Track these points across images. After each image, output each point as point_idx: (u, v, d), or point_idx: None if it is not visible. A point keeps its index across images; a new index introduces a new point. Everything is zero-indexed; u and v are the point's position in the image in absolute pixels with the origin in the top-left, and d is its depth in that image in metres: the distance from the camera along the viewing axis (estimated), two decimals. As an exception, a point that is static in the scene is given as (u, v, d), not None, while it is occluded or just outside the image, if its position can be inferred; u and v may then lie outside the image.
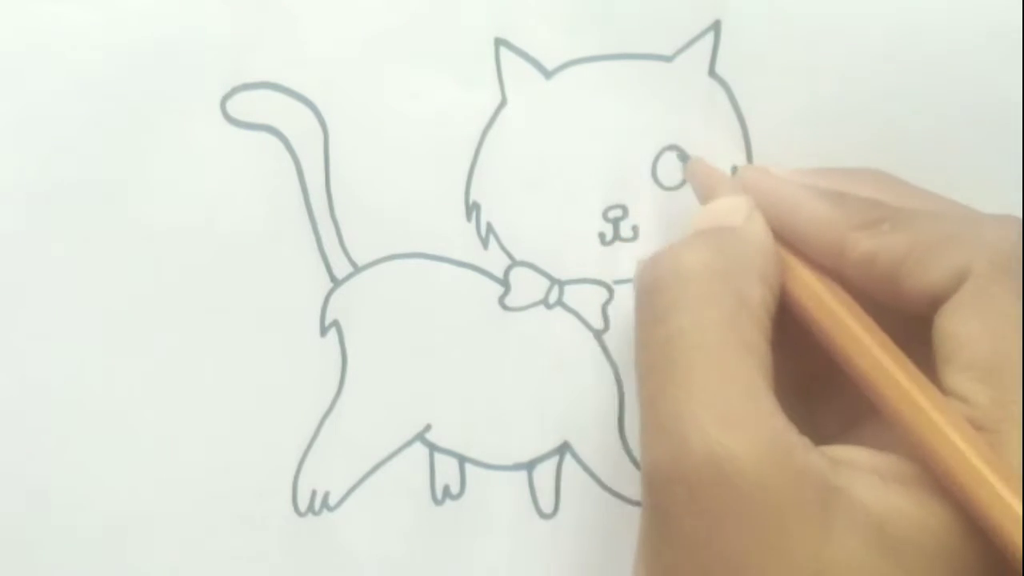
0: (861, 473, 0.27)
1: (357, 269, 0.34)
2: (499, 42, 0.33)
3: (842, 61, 0.34)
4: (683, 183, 0.34)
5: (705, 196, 0.33)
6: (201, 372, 0.33)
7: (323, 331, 0.34)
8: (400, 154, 0.33)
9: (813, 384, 0.31)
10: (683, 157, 0.34)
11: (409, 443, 0.35)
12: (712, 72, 0.34)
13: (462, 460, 0.35)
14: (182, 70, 0.32)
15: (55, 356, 0.32)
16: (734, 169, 0.35)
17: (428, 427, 0.35)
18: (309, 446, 0.34)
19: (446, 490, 0.35)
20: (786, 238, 0.31)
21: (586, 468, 0.35)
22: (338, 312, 0.34)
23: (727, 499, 0.26)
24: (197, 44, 0.32)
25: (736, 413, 0.27)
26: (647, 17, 0.33)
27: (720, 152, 0.34)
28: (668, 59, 0.34)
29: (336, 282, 0.34)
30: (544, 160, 0.34)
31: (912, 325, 0.29)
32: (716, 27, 0.33)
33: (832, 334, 0.30)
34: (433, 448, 0.35)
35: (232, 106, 0.32)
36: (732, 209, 0.31)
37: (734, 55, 0.34)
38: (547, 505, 0.35)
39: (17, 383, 0.32)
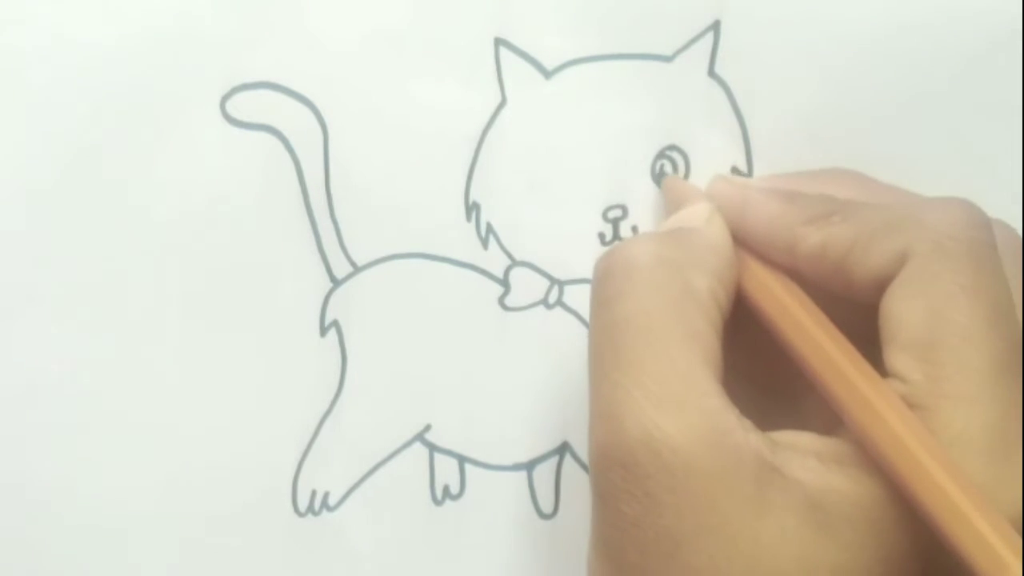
0: (801, 454, 0.28)
1: (357, 269, 0.34)
2: (499, 42, 0.33)
3: (842, 61, 0.34)
4: (683, 183, 0.34)
5: (675, 208, 0.33)
6: (201, 372, 0.33)
7: (323, 331, 0.34)
8: (400, 154, 0.33)
9: (781, 383, 0.32)
10: (660, 177, 0.34)
11: (409, 443, 0.35)
12: (712, 72, 0.34)
13: (462, 460, 0.35)
14: (182, 70, 0.32)
15: (55, 356, 0.32)
16: (734, 170, 0.35)
17: (428, 427, 0.35)
18: (309, 446, 0.34)
19: (446, 490, 0.35)
20: (746, 240, 0.32)
21: (586, 468, 0.35)
22: (338, 312, 0.34)
23: (662, 479, 0.27)
24: (197, 43, 0.32)
25: (673, 396, 0.28)
26: (647, 17, 0.33)
27: (720, 152, 0.34)
28: (668, 59, 0.34)
29: (336, 282, 0.34)
30: (544, 160, 0.34)
31: (861, 313, 0.30)
32: (716, 27, 0.33)
33: (779, 324, 0.30)
34: (433, 448, 0.35)
35: (232, 106, 0.32)
36: (694, 213, 0.32)
37: (734, 55, 0.34)
38: (547, 505, 0.35)
39: (16, 383, 0.32)
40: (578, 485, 0.35)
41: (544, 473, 0.35)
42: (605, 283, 0.30)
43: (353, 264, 0.34)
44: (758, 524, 0.27)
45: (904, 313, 0.28)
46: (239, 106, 0.32)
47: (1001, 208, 0.33)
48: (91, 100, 0.31)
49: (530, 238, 0.34)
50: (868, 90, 0.34)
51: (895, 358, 0.28)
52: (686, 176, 0.35)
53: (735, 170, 0.35)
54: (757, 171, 0.35)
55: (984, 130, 0.34)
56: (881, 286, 0.29)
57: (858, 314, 0.30)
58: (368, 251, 0.34)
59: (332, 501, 0.34)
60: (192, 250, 0.32)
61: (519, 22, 0.33)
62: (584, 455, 0.35)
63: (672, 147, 0.34)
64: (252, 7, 0.32)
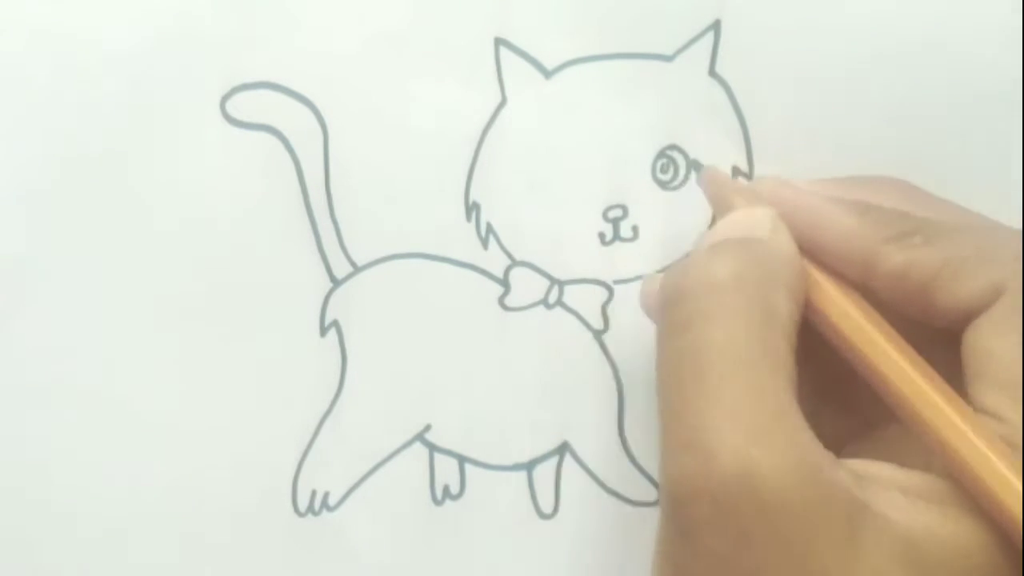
0: (885, 489, 0.27)
1: (357, 269, 0.34)
2: (499, 42, 0.33)
3: (842, 61, 0.34)
4: (683, 183, 0.34)
5: (721, 205, 0.32)
6: (201, 372, 0.33)
7: (323, 331, 0.34)
8: (400, 154, 0.33)
9: (823, 393, 0.31)
10: (695, 165, 0.34)
11: (409, 443, 0.35)
12: (712, 72, 0.34)
13: (462, 460, 0.35)
14: (182, 70, 0.32)
15: (54, 356, 0.32)
16: (734, 170, 0.35)
17: (428, 427, 0.35)
18: (309, 446, 0.34)
19: (446, 490, 0.35)
20: (811, 251, 0.30)
21: (586, 468, 0.35)
22: (338, 312, 0.34)
23: (755, 515, 0.26)
24: (197, 44, 0.32)
25: (765, 429, 0.26)
26: (647, 17, 0.33)
27: (720, 152, 0.34)
28: (668, 59, 0.34)
29: (336, 282, 0.34)
30: (544, 160, 0.34)
31: (937, 339, 0.29)
32: (716, 27, 0.33)
33: (861, 349, 0.29)
34: (433, 448, 0.35)
35: (232, 106, 0.32)
36: (756, 220, 0.30)
37: (734, 55, 0.34)
38: (547, 505, 0.35)
39: (16, 383, 0.32)
40: (578, 485, 0.35)
41: (544, 473, 0.35)
42: (681, 304, 0.29)
43: (353, 264, 0.34)
44: (851, 566, 0.26)
45: (998, 350, 0.27)
46: (239, 106, 0.32)
47: (1001, 208, 0.33)
48: (91, 100, 0.31)
49: (530, 238, 0.34)
50: (869, 89, 0.34)
51: (987, 395, 0.27)
52: (686, 177, 0.34)
53: (735, 170, 0.35)
54: (757, 171, 0.35)
55: (984, 130, 0.34)
56: (968, 317, 0.28)
57: (923, 336, 0.29)
58: (368, 251, 0.34)
59: (332, 501, 0.34)
60: (192, 250, 0.33)
61: (519, 22, 0.33)
62: (584, 454, 0.35)
63: (672, 147, 0.34)
64: (252, 7, 0.32)
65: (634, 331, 0.34)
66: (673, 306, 0.29)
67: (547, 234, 0.34)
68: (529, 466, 0.35)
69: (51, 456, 0.33)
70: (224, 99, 0.32)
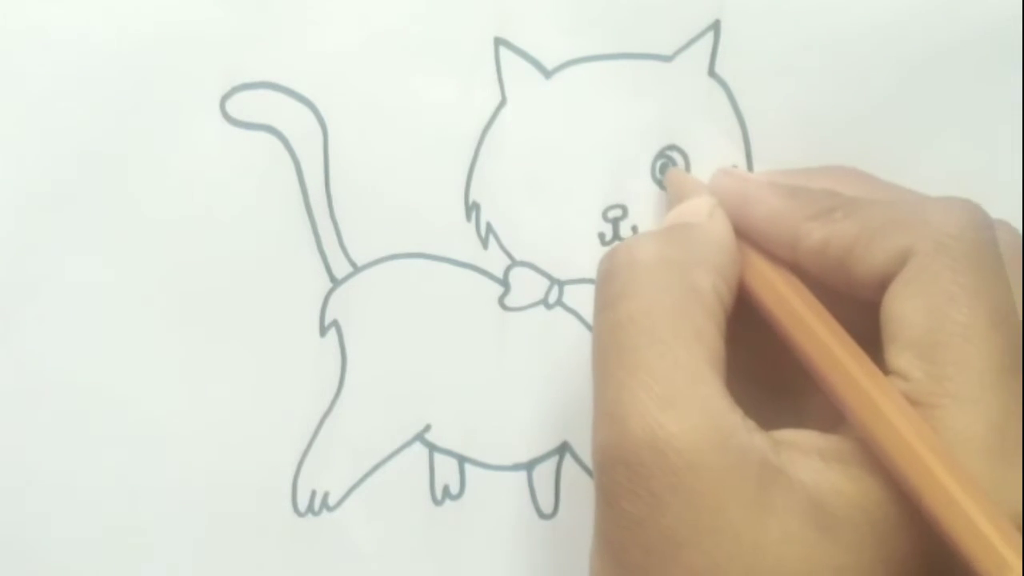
0: (804, 454, 0.28)
1: (357, 269, 0.34)
2: (499, 42, 0.33)
3: (842, 60, 0.34)
4: (683, 183, 0.34)
5: (677, 200, 0.33)
6: (201, 372, 0.33)
7: (323, 331, 0.34)
8: (400, 154, 0.33)
9: (784, 380, 0.31)
10: (665, 168, 0.34)
11: (409, 443, 0.35)
12: (712, 72, 0.34)
13: (462, 460, 0.35)
14: (182, 70, 0.32)
15: (53, 356, 0.32)
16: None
17: (428, 427, 0.35)
18: (309, 446, 0.34)
19: (446, 490, 0.35)
20: (747, 234, 0.32)
21: (586, 468, 0.35)
22: (338, 312, 0.34)
23: (666, 479, 0.27)
24: (197, 44, 0.32)
25: (677, 395, 0.28)
26: (647, 17, 0.33)
27: (720, 152, 0.34)
28: (668, 59, 0.34)
29: (336, 282, 0.34)
30: (544, 160, 0.34)
31: (870, 313, 0.29)
32: (716, 27, 0.33)
33: (782, 320, 0.30)
34: (433, 448, 0.35)
35: (232, 106, 0.32)
36: (696, 208, 0.32)
37: (734, 55, 0.34)
38: (547, 505, 0.35)
39: (15, 383, 0.32)
40: (578, 485, 0.35)
41: (544, 473, 0.35)
42: (608, 283, 0.30)
43: (353, 264, 0.34)
44: (761, 525, 0.27)
45: (906, 312, 0.28)
46: (239, 106, 0.32)
47: (1001, 208, 0.33)
48: (91, 100, 0.31)
49: (530, 238, 0.34)
50: (868, 89, 0.34)
51: (897, 356, 0.28)
52: (686, 176, 0.35)
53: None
54: (757, 171, 0.35)
55: (984, 129, 0.34)
56: (883, 284, 0.29)
57: (860, 312, 0.30)
58: (368, 251, 0.34)
59: (332, 501, 0.34)
60: (192, 250, 0.32)
61: (519, 22, 0.33)
62: (584, 455, 0.35)
63: (672, 147, 0.34)
64: (252, 7, 0.32)
65: None
66: (601, 284, 0.30)
67: (547, 234, 0.34)
68: (529, 466, 0.35)
69: (51, 456, 0.33)
70: (224, 99, 0.32)
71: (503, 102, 0.33)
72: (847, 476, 0.27)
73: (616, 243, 0.31)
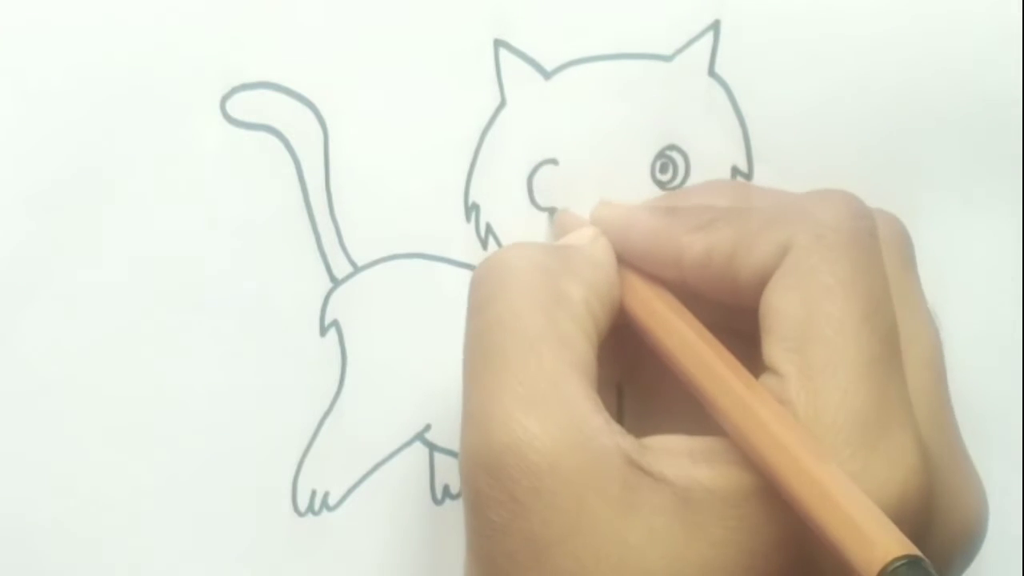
0: (672, 455, 0.28)
1: (357, 269, 0.34)
2: (498, 43, 0.33)
3: (842, 60, 0.34)
4: (682, 183, 0.34)
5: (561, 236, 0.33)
6: (200, 372, 0.33)
7: (323, 331, 0.34)
8: (400, 154, 0.33)
9: (673, 401, 0.31)
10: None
11: (409, 443, 0.35)
12: (712, 72, 0.34)
13: (462, 460, 0.35)
14: (182, 70, 0.32)
15: (53, 356, 0.32)
16: (734, 170, 0.35)
17: (428, 427, 0.35)
18: (309, 446, 0.34)
19: (446, 490, 0.35)
20: (631, 259, 0.32)
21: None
22: (338, 312, 0.34)
23: (527, 482, 0.27)
24: (197, 44, 0.32)
25: (538, 397, 0.27)
26: (646, 17, 0.33)
27: (720, 152, 0.34)
28: (667, 59, 0.34)
29: (336, 282, 0.34)
30: (543, 161, 0.34)
31: (754, 321, 0.29)
32: (715, 27, 0.33)
33: (652, 331, 0.30)
34: (433, 448, 0.35)
35: (232, 106, 0.32)
36: (578, 236, 0.32)
37: (734, 55, 0.34)
38: (547, 505, 0.35)
39: (14, 383, 0.32)
40: (578, 485, 0.35)
41: (544, 473, 0.35)
42: (479, 287, 0.30)
43: (353, 264, 0.34)
44: (625, 525, 0.27)
45: (780, 306, 0.28)
46: (239, 106, 0.32)
47: (1001, 208, 0.33)
48: (91, 100, 0.31)
49: (530, 238, 0.34)
50: (868, 89, 0.34)
51: (770, 351, 0.28)
52: (686, 177, 0.35)
53: (735, 170, 0.35)
54: (758, 171, 0.35)
55: (984, 129, 0.34)
56: (765, 283, 0.29)
57: (746, 321, 0.29)
58: (368, 251, 0.34)
59: (332, 501, 0.34)
60: (191, 250, 0.32)
61: (519, 23, 0.33)
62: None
63: (672, 147, 0.34)
64: (252, 7, 0.32)
65: None
66: (472, 289, 0.31)
67: (547, 234, 0.34)
68: (529, 466, 0.35)
69: (50, 456, 0.33)
70: (224, 99, 0.32)
71: (503, 103, 0.33)
72: (714, 472, 0.27)
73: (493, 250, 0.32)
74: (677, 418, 0.30)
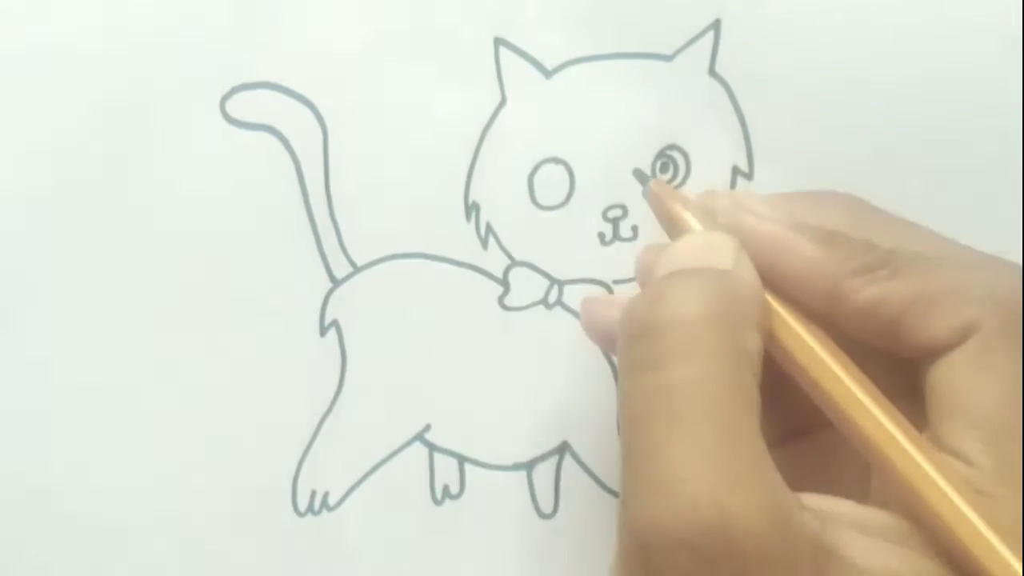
0: (846, 529, 0.27)
1: (357, 269, 0.34)
2: (499, 42, 0.33)
3: (843, 60, 0.34)
4: (683, 183, 0.34)
5: (671, 223, 0.31)
6: (200, 372, 0.33)
7: (323, 331, 0.34)
8: (400, 154, 0.33)
9: (803, 426, 0.31)
10: (642, 178, 0.33)
11: (409, 443, 0.35)
12: (712, 71, 0.34)
13: (462, 460, 0.35)
14: (182, 70, 0.32)
15: (54, 356, 0.32)
16: (734, 170, 0.35)
17: (428, 427, 0.35)
18: (309, 446, 0.34)
19: (446, 490, 0.35)
20: (773, 281, 0.29)
21: (585, 468, 0.35)
22: (338, 312, 0.34)
23: (731, 564, 0.25)
24: (197, 44, 0.32)
25: (741, 475, 0.26)
26: (647, 17, 0.33)
27: (720, 151, 0.34)
28: (668, 58, 0.34)
29: (336, 282, 0.34)
30: (543, 160, 0.34)
31: (897, 366, 0.29)
32: (716, 26, 0.33)
33: (823, 385, 0.28)
34: (433, 448, 0.35)
35: (232, 106, 0.32)
36: (717, 249, 0.29)
37: (734, 54, 0.34)
38: (546, 505, 0.35)
39: (16, 383, 0.32)
40: (578, 485, 0.35)
41: (544, 473, 0.35)
42: (650, 340, 0.28)
43: (353, 264, 0.34)
44: None
45: (971, 391, 0.27)
46: (239, 106, 0.32)
47: (1001, 208, 0.33)
48: (91, 100, 0.31)
49: (530, 238, 0.34)
50: (868, 89, 0.34)
51: (955, 435, 0.27)
52: (686, 177, 0.34)
53: (736, 170, 0.35)
54: (758, 170, 0.35)
55: (984, 129, 0.34)
56: (936, 353, 0.28)
57: (890, 365, 0.29)
58: (368, 251, 0.34)
59: (332, 501, 0.34)
60: (192, 250, 0.33)
61: (519, 22, 0.33)
62: (584, 455, 0.35)
63: (672, 146, 0.34)
64: (252, 7, 0.32)
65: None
66: (640, 341, 0.28)
67: (547, 234, 0.34)
68: (529, 466, 0.35)
69: (51, 456, 0.33)
70: (224, 99, 0.32)
71: (503, 102, 0.33)
72: (898, 557, 0.26)
73: (647, 291, 0.29)
74: (813, 453, 0.29)
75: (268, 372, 0.33)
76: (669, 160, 0.34)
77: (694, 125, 0.34)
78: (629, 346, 0.28)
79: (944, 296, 0.28)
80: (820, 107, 0.34)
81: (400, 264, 0.34)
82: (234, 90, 0.32)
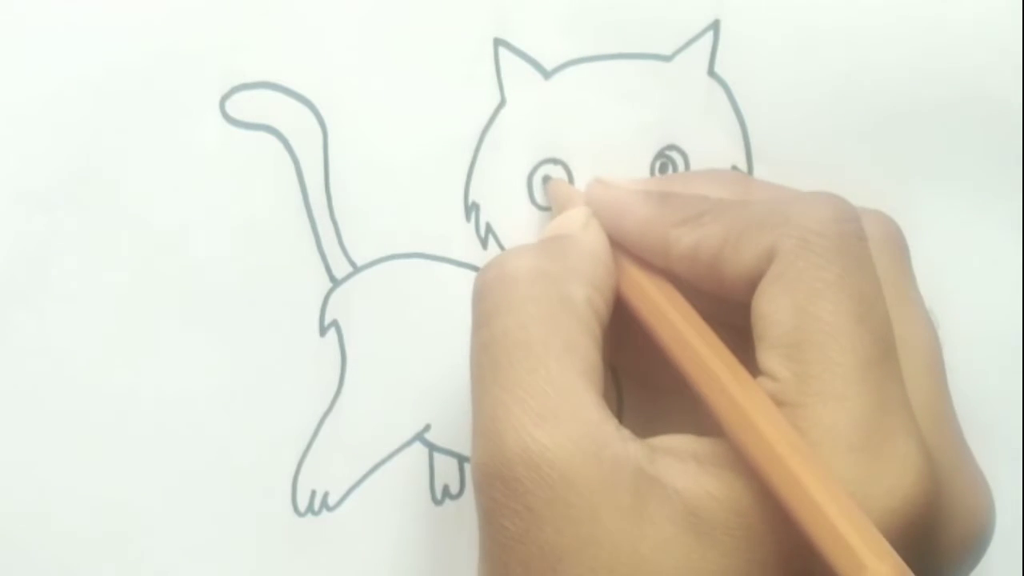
0: (679, 460, 0.28)
1: (356, 269, 0.34)
2: (498, 42, 0.33)
3: (842, 60, 0.34)
4: (682, 183, 0.34)
5: (558, 212, 0.33)
6: (201, 372, 0.33)
7: (322, 331, 0.34)
8: (400, 154, 0.33)
9: (671, 384, 0.31)
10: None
11: (409, 443, 0.35)
12: (711, 72, 0.34)
13: (462, 460, 0.35)
14: (182, 70, 0.32)
15: (53, 356, 0.32)
16: (734, 169, 0.35)
17: (428, 427, 0.35)
18: (309, 446, 0.34)
19: (446, 490, 0.35)
20: (622, 243, 0.32)
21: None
22: (337, 312, 0.34)
23: (542, 493, 0.27)
24: (197, 44, 0.32)
25: (549, 409, 0.28)
26: (646, 17, 0.33)
27: (720, 152, 0.34)
28: (667, 59, 0.34)
29: (335, 282, 0.34)
30: (543, 160, 0.34)
31: (744, 313, 0.29)
32: (715, 26, 0.33)
33: (655, 328, 0.30)
34: (433, 448, 0.35)
35: (232, 106, 0.32)
36: (570, 219, 0.32)
37: (733, 54, 0.34)
38: (547, 505, 0.35)
39: (14, 384, 0.32)
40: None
41: (544, 473, 0.35)
42: (483, 299, 0.30)
43: (353, 264, 0.34)
44: (638, 535, 0.27)
45: (771, 311, 0.28)
46: (239, 106, 0.32)
47: (1001, 208, 0.33)
48: (91, 100, 0.31)
49: (530, 238, 0.34)
50: (868, 89, 0.34)
51: (765, 357, 0.28)
52: (685, 176, 0.35)
53: (735, 169, 0.35)
54: (757, 171, 0.35)
55: (984, 129, 0.34)
56: (752, 284, 0.29)
57: (736, 314, 0.30)
58: (368, 251, 0.34)
59: (332, 501, 0.34)
60: (191, 250, 0.32)
61: (518, 22, 0.33)
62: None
63: (672, 147, 0.34)
64: (252, 7, 0.32)
65: None
66: (476, 301, 0.31)
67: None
68: (529, 466, 0.35)
69: (50, 456, 0.33)
70: (224, 99, 0.32)
71: (502, 102, 0.33)
72: (720, 480, 0.27)
73: (493, 257, 0.31)
74: (676, 404, 0.30)
75: (268, 372, 0.33)
76: (669, 160, 0.34)
77: (693, 125, 0.34)
78: (472, 310, 0.31)
79: (747, 228, 0.29)
80: (820, 107, 0.34)
81: (400, 264, 0.34)
82: (234, 90, 0.32)
